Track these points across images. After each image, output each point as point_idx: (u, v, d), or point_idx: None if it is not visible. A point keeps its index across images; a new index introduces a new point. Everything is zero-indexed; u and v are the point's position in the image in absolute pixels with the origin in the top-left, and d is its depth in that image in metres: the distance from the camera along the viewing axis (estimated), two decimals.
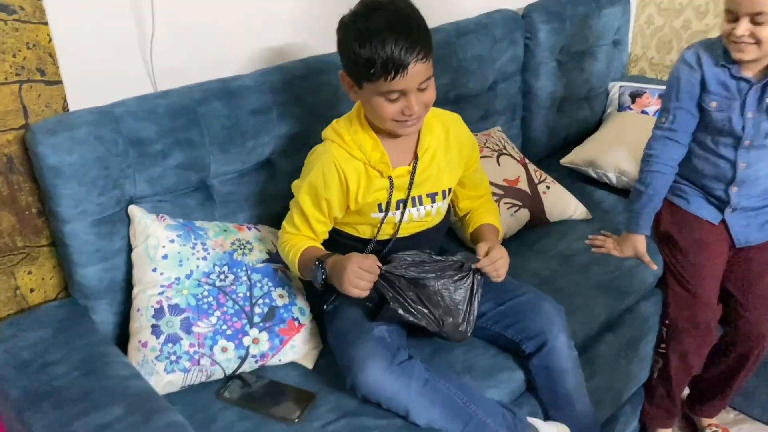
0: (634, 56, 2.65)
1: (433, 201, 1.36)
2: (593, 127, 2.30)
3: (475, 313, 1.29)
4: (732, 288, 1.64)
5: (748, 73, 1.53)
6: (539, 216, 1.81)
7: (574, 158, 2.08)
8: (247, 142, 1.46)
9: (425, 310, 1.25)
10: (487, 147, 1.84)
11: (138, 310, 1.29)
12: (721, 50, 1.54)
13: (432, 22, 1.25)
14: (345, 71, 1.24)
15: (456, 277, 1.27)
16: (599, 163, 2.02)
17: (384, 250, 1.35)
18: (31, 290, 1.38)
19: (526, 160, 1.90)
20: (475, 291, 1.28)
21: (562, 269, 1.68)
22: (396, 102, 1.19)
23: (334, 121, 1.33)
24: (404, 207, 1.33)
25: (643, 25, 2.60)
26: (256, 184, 1.52)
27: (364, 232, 1.36)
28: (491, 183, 1.75)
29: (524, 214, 1.77)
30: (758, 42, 1.43)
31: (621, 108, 2.28)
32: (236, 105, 1.42)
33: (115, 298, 1.35)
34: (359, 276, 1.19)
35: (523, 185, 1.80)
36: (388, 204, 1.31)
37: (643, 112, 2.22)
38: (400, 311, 1.23)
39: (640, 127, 2.03)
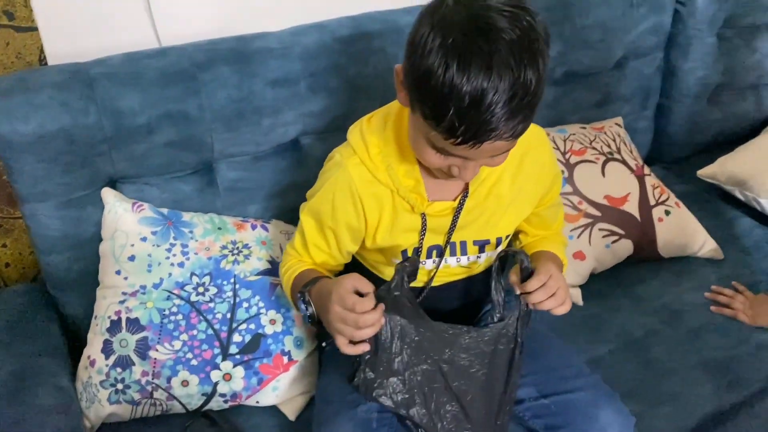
0: None
1: (482, 250, 0.99)
2: (757, 126, 1.74)
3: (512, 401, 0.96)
4: None
5: None
6: (647, 250, 1.37)
7: (717, 171, 1.57)
8: (262, 119, 1.16)
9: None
10: (593, 148, 1.40)
11: (96, 317, 1.08)
12: None
13: None
14: (404, 73, 0.79)
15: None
16: (751, 183, 1.50)
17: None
18: (6, 265, 1.21)
19: (646, 170, 1.44)
20: (515, 360, 0.94)
21: (664, 330, 1.26)
22: (447, 157, 0.80)
23: (365, 117, 0.95)
24: (440, 256, 0.98)
25: None
26: (274, 171, 1.23)
27: (386, 274, 1.02)
28: (586, 199, 1.34)
29: (625, 247, 1.35)
30: None
31: None
32: (251, 72, 1.12)
33: (88, 293, 1.14)
34: (343, 319, 0.81)
35: (632, 207, 1.36)
36: (417, 251, 0.96)
37: None
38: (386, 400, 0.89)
39: None
